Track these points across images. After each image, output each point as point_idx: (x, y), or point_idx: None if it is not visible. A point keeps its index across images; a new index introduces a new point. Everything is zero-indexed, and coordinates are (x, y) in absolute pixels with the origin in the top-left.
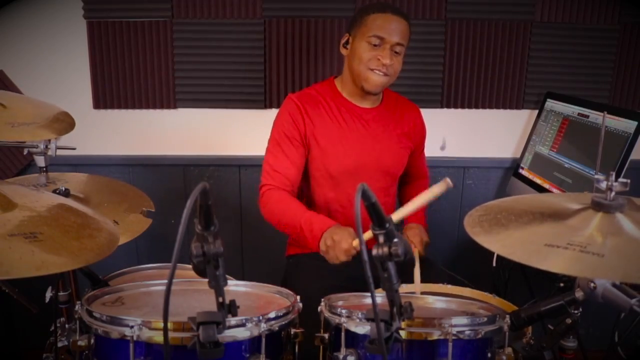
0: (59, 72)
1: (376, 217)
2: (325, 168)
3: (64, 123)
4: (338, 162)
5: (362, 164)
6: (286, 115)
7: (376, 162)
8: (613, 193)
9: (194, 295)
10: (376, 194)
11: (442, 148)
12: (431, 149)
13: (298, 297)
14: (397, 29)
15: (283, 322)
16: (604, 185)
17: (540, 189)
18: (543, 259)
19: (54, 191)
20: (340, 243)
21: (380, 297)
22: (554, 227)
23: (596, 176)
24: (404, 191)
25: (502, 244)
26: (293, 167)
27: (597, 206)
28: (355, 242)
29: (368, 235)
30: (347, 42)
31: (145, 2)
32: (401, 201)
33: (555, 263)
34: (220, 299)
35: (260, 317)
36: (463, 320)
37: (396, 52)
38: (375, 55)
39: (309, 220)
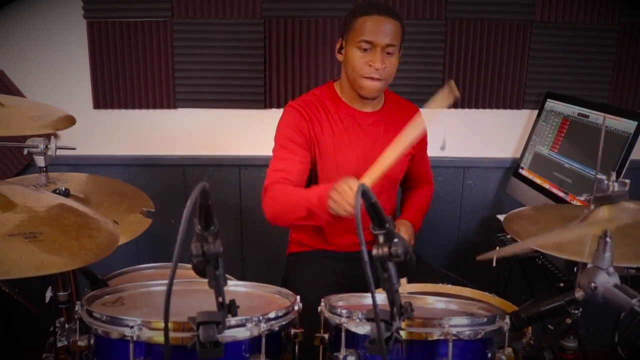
0: (59, 72)
1: (376, 217)
2: (326, 174)
3: (65, 122)
4: (338, 168)
5: (363, 170)
6: (289, 122)
7: None
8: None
9: (194, 295)
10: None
11: (442, 148)
12: (431, 149)
13: (298, 297)
14: (385, 30)
15: (283, 322)
16: (604, 185)
17: (540, 189)
18: None
19: (54, 191)
20: (346, 192)
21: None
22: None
23: (597, 176)
24: (406, 198)
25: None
26: (299, 165)
27: (599, 200)
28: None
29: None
30: (341, 48)
31: (145, 2)
32: (402, 208)
33: None
34: (220, 299)
35: (260, 317)
36: (463, 320)
37: (388, 53)
38: (367, 61)
39: (313, 189)
